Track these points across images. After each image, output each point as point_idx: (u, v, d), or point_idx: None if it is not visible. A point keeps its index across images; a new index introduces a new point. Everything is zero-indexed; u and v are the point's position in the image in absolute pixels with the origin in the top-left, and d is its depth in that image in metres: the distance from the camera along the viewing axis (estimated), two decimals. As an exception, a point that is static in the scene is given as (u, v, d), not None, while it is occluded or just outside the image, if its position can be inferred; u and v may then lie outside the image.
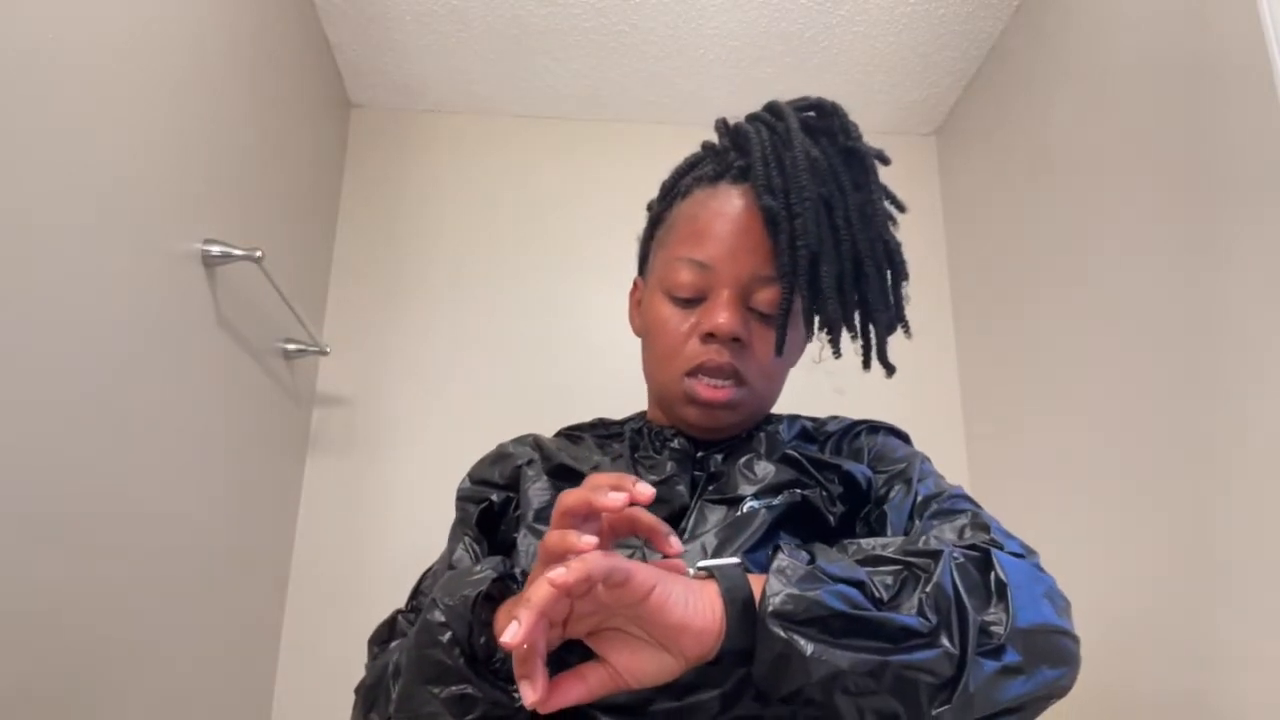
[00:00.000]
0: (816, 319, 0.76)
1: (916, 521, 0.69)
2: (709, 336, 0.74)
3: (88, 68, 0.97)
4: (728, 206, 0.76)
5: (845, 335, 0.78)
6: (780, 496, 0.71)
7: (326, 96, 1.90)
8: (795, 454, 0.75)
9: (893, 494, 0.72)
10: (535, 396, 1.88)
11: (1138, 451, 1.30)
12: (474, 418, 1.88)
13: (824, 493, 0.72)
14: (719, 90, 2.00)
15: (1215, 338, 1.14)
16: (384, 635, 0.76)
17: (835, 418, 0.85)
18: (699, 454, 0.79)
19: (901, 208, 0.79)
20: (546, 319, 1.96)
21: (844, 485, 0.73)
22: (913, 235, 0.82)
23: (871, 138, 0.77)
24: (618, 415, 0.91)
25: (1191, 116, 1.20)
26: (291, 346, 1.67)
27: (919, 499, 0.71)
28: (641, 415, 0.88)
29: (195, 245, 1.25)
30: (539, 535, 0.73)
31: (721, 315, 0.73)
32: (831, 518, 0.71)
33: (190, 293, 1.25)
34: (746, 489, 0.72)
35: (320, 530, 1.79)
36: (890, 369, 0.79)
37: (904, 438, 0.84)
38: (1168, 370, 1.24)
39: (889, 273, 0.76)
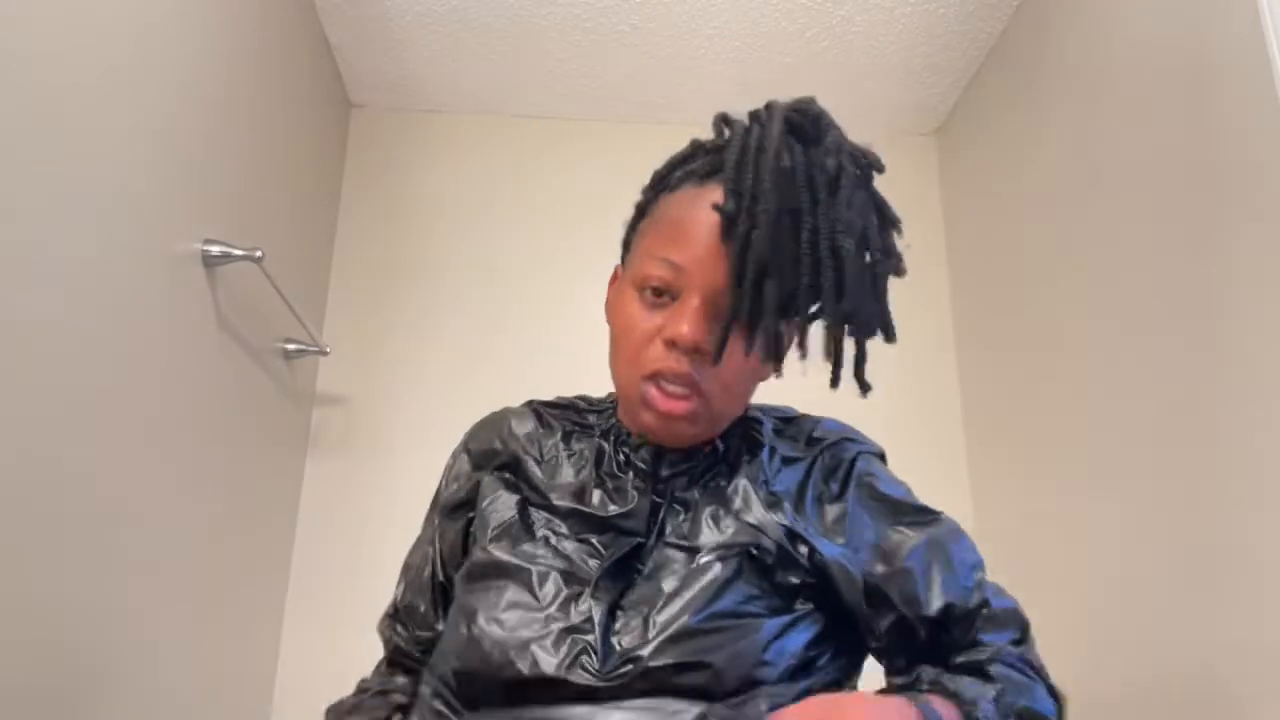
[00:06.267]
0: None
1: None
2: (671, 344, 0.73)
3: (88, 69, 0.97)
4: (710, 213, 0.73)
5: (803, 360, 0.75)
6: (735, 551, 0.71)
7: (326, 96, 1.90)
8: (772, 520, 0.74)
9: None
10: (535, 396, 1.87)
11: (1137, 451, 1.30)
12: (474, 417, 1.87)
13: (786, 555, 0.72)
14: (719, 90, 1.99)
15: (1215, 337, 1.14)
16: (381, 660, 0.87)
17: (815, 422, 0.83)
18: (662, 472, 0.78)
19: (894, 217, 0.76)
20: (546, 318, 1.96)
21: (812, 566, 0.72)
22: (913, 235, 0.81)
23: (871, 138, 0.76)
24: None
25: (1191, 116, 1.20)
26: (291, 346, 1.67)
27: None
28: (615, 407, 0.87)
29: (195, 245, 1.25)
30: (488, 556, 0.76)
31: (685, 325, 0.71)
32: (794, 578, 0.71)
33: (190, 293, 1.25)
34: (707, 539, 0.73)
35: (320, 530, 1.79)
36: (866, 387, 0.74)
37: (882, 459, 0.83)
38: (1167, 370, 1.24)
39: (869, 276, 0.72)
